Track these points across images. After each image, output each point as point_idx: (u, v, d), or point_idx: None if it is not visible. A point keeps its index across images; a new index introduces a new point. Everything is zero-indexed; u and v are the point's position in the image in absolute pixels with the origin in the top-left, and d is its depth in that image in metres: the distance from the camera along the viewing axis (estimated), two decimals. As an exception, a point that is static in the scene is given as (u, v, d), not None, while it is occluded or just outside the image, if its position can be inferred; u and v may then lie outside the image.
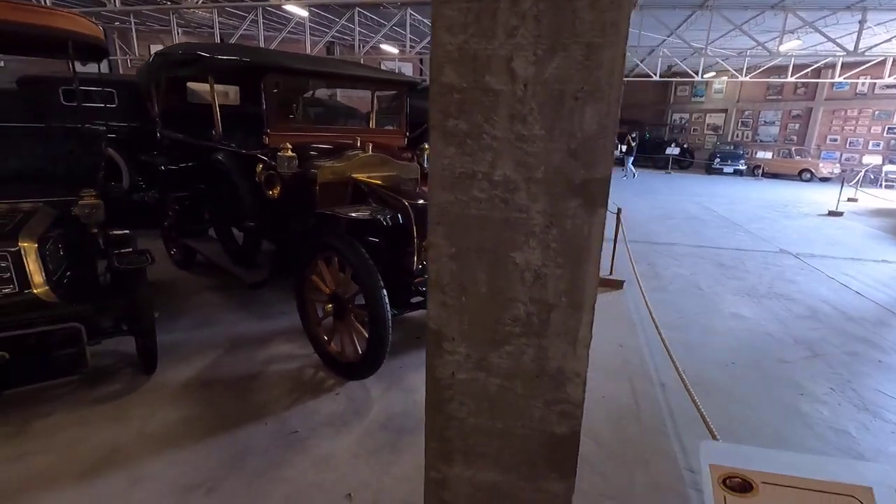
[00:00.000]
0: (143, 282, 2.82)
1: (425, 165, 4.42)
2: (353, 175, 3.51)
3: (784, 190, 15.41)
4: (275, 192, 3.45)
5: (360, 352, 2.93)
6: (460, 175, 0.88)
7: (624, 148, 17.81)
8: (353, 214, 2.95)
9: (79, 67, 3.28)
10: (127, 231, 3.11)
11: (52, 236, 2.68)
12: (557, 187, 0.84)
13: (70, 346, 2.49)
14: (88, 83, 5.85)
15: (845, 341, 3.94)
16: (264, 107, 3.37)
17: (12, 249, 2.42)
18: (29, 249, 2.45)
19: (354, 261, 2.76)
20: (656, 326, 3.38)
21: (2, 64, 15.71)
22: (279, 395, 2.84)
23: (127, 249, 2.90)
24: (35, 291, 2.45)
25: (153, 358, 2.94)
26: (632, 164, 17.58)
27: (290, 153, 3.28)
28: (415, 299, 3.19)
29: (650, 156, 21.52)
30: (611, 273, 5.13)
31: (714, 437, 2.21)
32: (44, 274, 2.49)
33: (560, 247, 0.87)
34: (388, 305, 2.70)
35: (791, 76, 16.40)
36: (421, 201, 3.27)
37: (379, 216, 2.85)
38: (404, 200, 3.25)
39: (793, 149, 19.31)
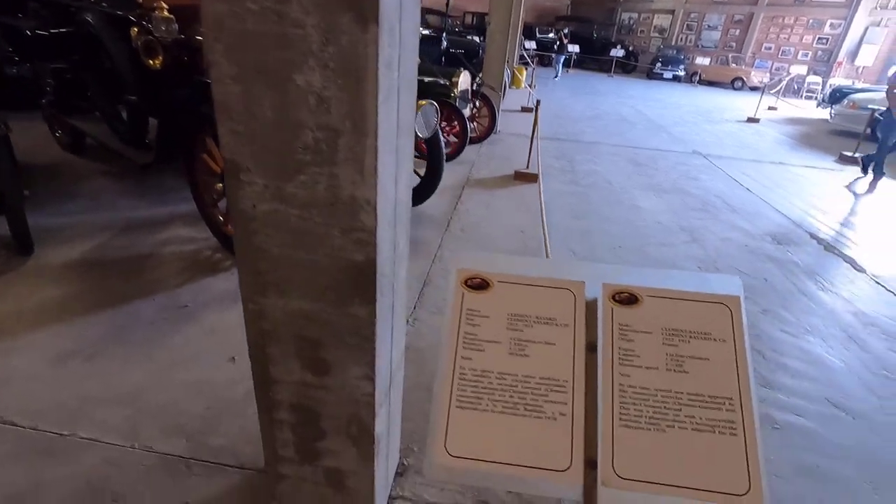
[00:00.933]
0: (6, 156, 2.57)
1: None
2: (246, 46, 3.21)
3: (715, 97, 15.83)
4: (156, 61, 3.11)
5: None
6: (229, -19, 0.82)
7: (557, 45, 17.15)
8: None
9: None
10: None
11: None
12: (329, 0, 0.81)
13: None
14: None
15: (724, 229, 4.35)
16: (129, -45, 2.92)
17: None
18: None
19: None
20: (542, 211, 3.55)
21: None
22: (171, 274, 2.81)
23: None
24: None
25: (27, 238, 2.78)
26: (563, 63, 16.88)
27: (166, 14, 2.92)
28: None
29: (596, 57, 21.12)
30: (527, 167, 5.23)
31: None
32: None
33: (338, 66, 0.86)
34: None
35: (738, -24, 16.08)
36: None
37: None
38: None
39: (729, 56, 19.54)
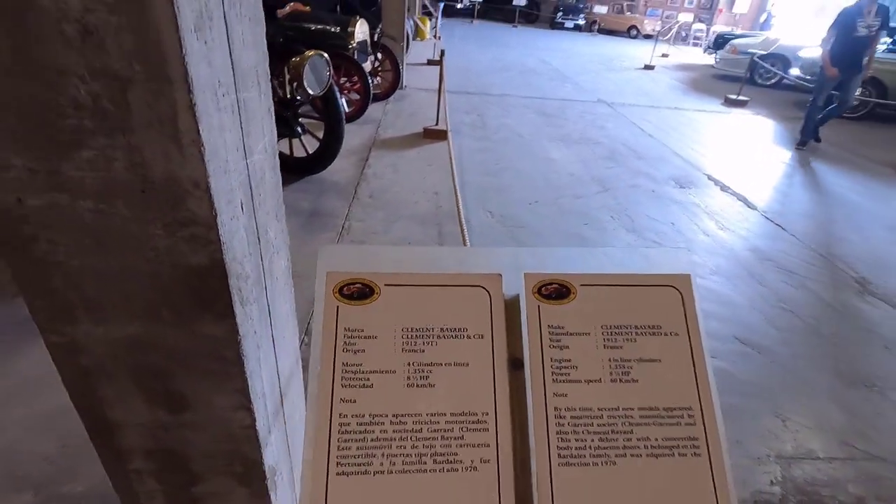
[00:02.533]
0: None
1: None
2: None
3: (613, 46, 16.31)
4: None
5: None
6: None
7: None
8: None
9: None
10: None
11: None
12: None
13: None
14: None
15: (631, 176, 4.44)
16: None
17: None
18: None
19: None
20: (452, 169, 3.36)
21: None
22: (4, 281, 2.27)
23: None
24: None
25: None
26: (472, 14, 15.88)
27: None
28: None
29: (499, 7, 20.81)
30: (436, 124, 4.96)
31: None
32: None
33: (100, -27, 0.54)
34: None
35: (629, -77, 16.33)
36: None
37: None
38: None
39: (624, 4, 20.13)
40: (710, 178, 4.63)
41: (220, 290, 0.77)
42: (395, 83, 6.10)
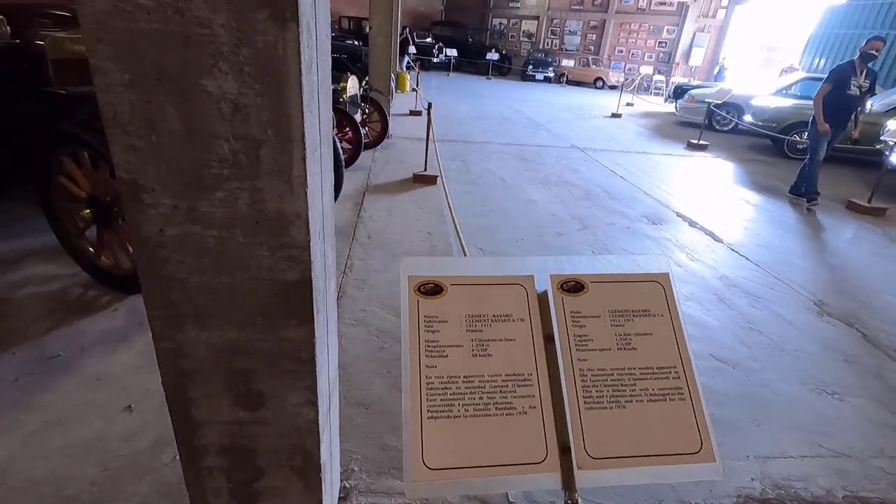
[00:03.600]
0: None
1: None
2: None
3: (581, 96, 17.37)
4: (-17, 70, 2.61)
5: (139, 261, 2.56)
6: (113, -27, 0.71)
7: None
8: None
9: None
10: None
11: None
12: (240, -5, 0.74)
13: None
14: None
15: (607, 215, 4.79)
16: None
17: None
18: None
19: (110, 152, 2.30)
20: (451, 213, 3.63)
21: None
22: (32, 321, 2.38)
23: None
24: None
25: None
26: (406, 65, 15.12)
27: (-8, 14, 2.46)
28: None
29: (472, 61, 22.02)
30: (425, 169, 5.28)
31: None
32: None
33: (255, 70, 0.78)
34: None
35: (590, -13, 17.81)
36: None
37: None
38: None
39: (590, 58, 21.57)
40: (678, 214, 5.02)
41: (305, 300, 0.98)
42: (382, 133, 6.47)
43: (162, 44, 0.75)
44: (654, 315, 0.84)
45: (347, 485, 1.66)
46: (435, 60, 21.23)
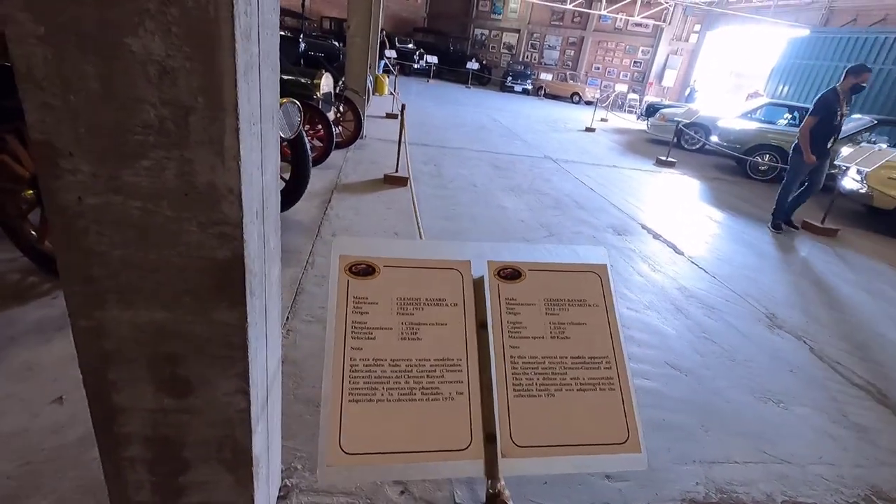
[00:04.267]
0: None
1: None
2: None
3: (557, 109, 17.68)
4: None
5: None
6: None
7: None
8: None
9: None
10: None
11: None
12: (168, -50, 0.70)
13: None
14: None
15: (574, 224, 4.85)
16: None
17: None
18: None
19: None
20: (416, 214, 3.61)
21: None
22: (-40, 307, 2.23)
23: None
24: None
25: None
26: (383, 69, 14.89)
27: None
28: None
29: (453, 69, 22.17)
30: (396, 171, 5.25)
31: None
32: None
33: (184, 32, 0.74)
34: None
35: (569, 4, 18.23)
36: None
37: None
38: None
39: (567, 73, 22.01)
40: (643, 227, 5.13)
41: (237, 281, 0.93)
42: (356, 133, 6.41)
43: (82, -3, 0.71)
44: (590, 305, 0.83)
45: (289, 483, 1.60)
46: (415, 66, 21.27)
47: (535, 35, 23.78)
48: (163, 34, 0.74)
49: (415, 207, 3.75)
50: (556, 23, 23.03)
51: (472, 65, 21.19)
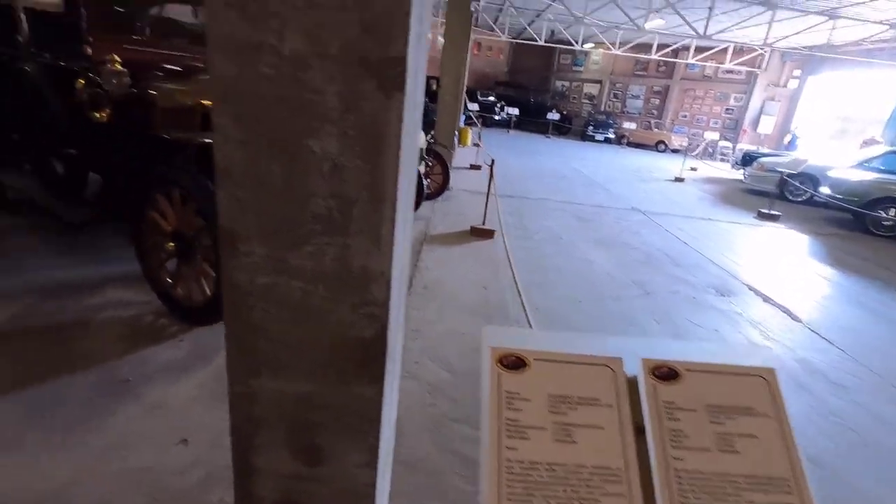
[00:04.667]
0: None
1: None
2: (204, 102, 3.11)
3: (642, 158, 17.23)
4: (102, 114, 2.94)
5: (210, 293, 2.69)
6: (244, 45, 0.77)
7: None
8: (200, 139, 2.61)
9: None
10: None
11: None
12: (353, 66, 0.78)
13: None
14: None
15: (670, 282, 4.58)
16: (82, 7, 2.80)
17: None
18: None
19: (200, 194, 2.49)
20: (512, 270, 3.59)
21: None
22: (108, 343, 2.52)
23: None
24: None
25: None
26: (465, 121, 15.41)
27: (118, 67, 2.79)
28: None
29: (533, 120, 22.56)
30: (483, 223, 5.32)
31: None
32: None
33: (358, 134, 0.81)
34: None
35: (654, 54, 18.06)
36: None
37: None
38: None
39: (652, 122, 21.53)
40: (749, 287, 4.72)
41: (379, 357, 0.97)
42: (444, 185, 6.65)
43: (277, 108, 0.80)
44: (759, 415, 0.76)
45: (390, 552, 1.57)
46: (496, 118, 21.90)
47: (617, 85, 23.71)
48: (339, 136, 0.82)
49: (511, 266, 3.75)
50: (640, 73, 22.84)
51: (553, 115, 21.43)
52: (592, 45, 21.87)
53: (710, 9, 12.40)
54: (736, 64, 18.37)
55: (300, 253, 0.89)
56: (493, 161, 5.15)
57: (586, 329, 3.38)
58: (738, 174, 13.48)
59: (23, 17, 3.04)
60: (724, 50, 18.06)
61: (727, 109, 21.23)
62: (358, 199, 0.86)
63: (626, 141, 21.09)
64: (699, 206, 9.00)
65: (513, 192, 8.07)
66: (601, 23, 16.32)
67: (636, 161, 15.88)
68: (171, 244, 2.66)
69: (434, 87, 16.65)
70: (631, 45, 19.57)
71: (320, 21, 0.76)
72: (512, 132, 20.66)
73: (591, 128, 21.49)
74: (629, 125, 21.63)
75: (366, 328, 0.94)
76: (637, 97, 23.26)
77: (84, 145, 3.10)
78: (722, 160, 18.76)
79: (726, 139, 20.26)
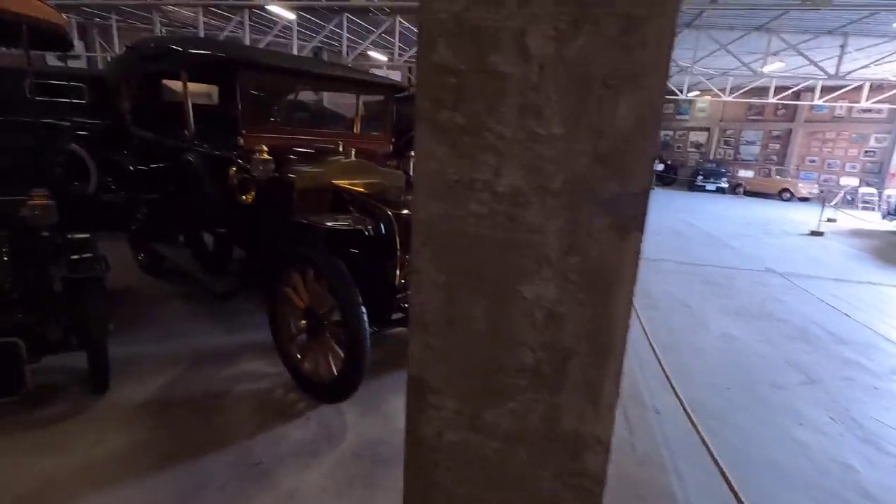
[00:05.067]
0: (97, 291, 2.56)
1: (412, 174, 4.22)
2: (334, 181, 3.29)
3: (765, 208, 15.61)
4: (248, 197, 3.21)
5: (336, 372, 2.70)
6: (454, 183, 0.68)
7: None
8: (332, 224, 2.72)
9: (50, 61, 3.02)
10: (87, 235, 2.89)
11: (-5, 239, 2.40)
12: (580, 202, 0.66)
13: (7, 365, 2.21)
14: (54, 76, 5.54)
15: (839, 366, 3.83)
16: (239, 105, 3.14)
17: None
18: (-36, 255, 2.16)
19: (331, 274, 2.55)
20: (654, 350, 3.22)
21: (-27, 56, 15.14)
22: (244, 418, 2.59)
23: (86, 255, 2.77)
24: (-30, 302, 2.17)
25: (104, 376, 2.67)
26: None
27: (265, 156, 3.05)
28: (396, 315, 2.97)
29: (635, 171, 21.72)
30: (600, 289, 4.97)
31: (722, 473, 2.04)
32: (-19, 281, 2.21)
33: (582, 279, 0.68)
34: (367, 323, 2.48)
35: (773, 97, 16.71)
36: (406, 211, 3.08)
37: (360, 226, 2.63)
38: (387, 209, 3.05)
39: (773, 168, 19.64)
40: (949, 375, 3.80)
41: (584, 539, 0.77)
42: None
43: (485, 248, 0.70)
44: None
45: None
46: (594, 170, 21.43)
47: (728, 131, 22.20)
48: (558, 280, 0.69)
49: (653, 348, 3.39)
50: (755, 117, 21.23)
51: (657, 166, 20.46)
52: (698, 92, 20.89)
53: (843, 47, 11.27)
54: (874, 102, 16.33)
55: (499, 410, 0.76)
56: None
57: (745, 427, 2.86)
58: (892, 225, 11.59)
59: (191, 113, 3.48)
60: (858, 88, 16.21)
61: (867, 152, 18.78)
62: (575, 352, 0.71)
63: (742, 190, 19.37)
64: (851, 265, 7.76)
65: (624, 251, 7.59)
66: (710, 71, 15.57)
67: (759, 212, 14.40)
68: (304, 321, 2.74)
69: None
70: (744, 90, 18.37)
71: (544, 154, 0.66)
72: (612, 185, 19.99)
73: (700, 177, 20.12)
74: (745, 173, 19.92)
75: (571, 502, 0.76)
76: (752, 143, 21.51)
77: (232, 224, 3.39)
78: (865, 208, 16.38)
79: (868, 185, 17.77)
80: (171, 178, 4.04)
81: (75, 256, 2.72)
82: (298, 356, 2.89)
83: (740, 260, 7.54)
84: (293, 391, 2.88)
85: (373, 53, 15.87)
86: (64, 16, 2.75)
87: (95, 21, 16.67)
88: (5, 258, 2.48)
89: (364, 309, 2.48)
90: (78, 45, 15.12)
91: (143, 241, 4.60)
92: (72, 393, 2.70)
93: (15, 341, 2.19)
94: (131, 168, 4.36)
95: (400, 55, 16.02)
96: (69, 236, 2.82)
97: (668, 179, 21.63)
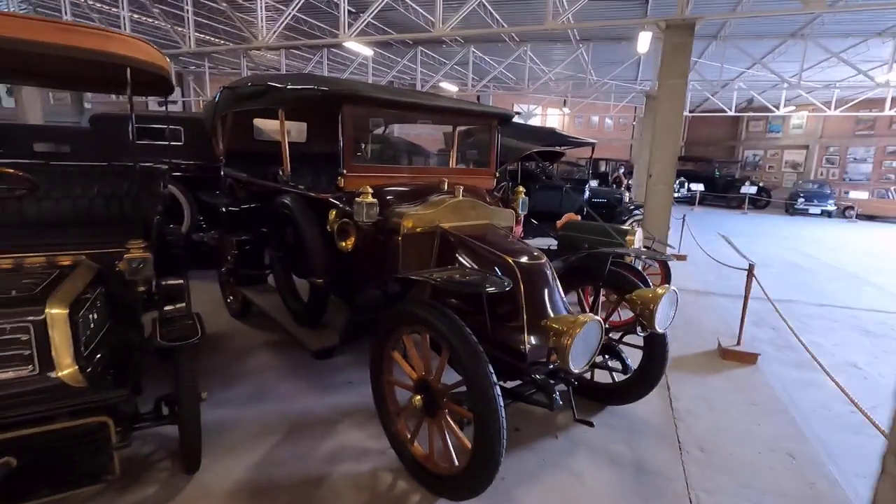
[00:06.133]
0: (190, 361, 2.26)
1: (520, 211, 3.74)
2: (442, 224, 2.87)
3: (889, 233, 13.65)
4: (348, 243, 2.86)
5: (456, 462, 2.20)
6: None
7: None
8: (456, 279, 2.23)
9: (151, 105, 2.91)
10: (181, 281, 2.67)
11: (90, 298, 2.16)
12: None
13: (94, 447, 1.91)
14: (154, 120, 5.69)
15: None
16: (341, 143, 2.83)
17: (37, 318, 1.88)
18: (57, 319, 1.89)
19: (454, 340, 2.05)
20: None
21: (89, 106, 16.82)
22: (349, 518, 2.14)
23: (178, 309, 2.58)
24: (59, 374, 1.90)
25: (196, 454, 2.34)
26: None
27: (370, 199, 2.70)
28: (515, 385, 2.43)
29: (722, 195, 20.08)
30: (738, 343, 4.18)
31: None
32: (73, 349, 1.93)
33: None
34: (502, 408, 1.96)
35: (888, 110, 14.84)
36: (525, 259, 2.58)
37: (488, 285, 2.14)
38: (508, 258, 2.57)
39: (892, 188, 17.36)
40: None
41: None
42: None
43: None
44: None
45: None
46: (676, 195, 20.03)
47: (831, 149, 20.08)
48: None
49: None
50: (865, 132, 19.05)
51: (749, 188, 18.75)
52: (794, 107, 19.10)
53: None
54: None
55: None
56: (751, 267, 4.10)
57: None
58: None
59: (287, 152, 3.24)
60: None
61: None
62: None
63: (853, 213, 17.23)
64: None
65: (736, 289, 6.62)
66: (813, 83, 14.11)
67: (882, 238, 12.56)
68: (418, 396, 2.27)
69: (616, 169, 15.83)
70: (851, 103, 16.54)
71: None
72: (696, 209, 18.54)
73: (801, 200, 18.15)
74: (857, 194, 17.75)
75: None
76: (862, 160, 19.28)
77: (329, 273, 3.06)
78: None
79: None
80: (264, 221, 3.84)
81: (168, 313, 2.52)
82: (408, 435, 2.43)
83: (892, 301, 6.33)
84: (402, 477, 2.42)
85: (444, 85, 15.91)
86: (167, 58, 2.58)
87: (191, 69, 18.09)
88: (97, 317, 2.24)
89: (498, 389, 1.98)
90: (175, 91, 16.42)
91: (232, 283, 4.43)
92: (161, 470, 2.39)
93: (105, 422, 1.89)
94: (223, 209, 4.23)
95: (473, 85, 15.95)
96: (164, 283, 2.62)
97: (760, 203, 19.78)
